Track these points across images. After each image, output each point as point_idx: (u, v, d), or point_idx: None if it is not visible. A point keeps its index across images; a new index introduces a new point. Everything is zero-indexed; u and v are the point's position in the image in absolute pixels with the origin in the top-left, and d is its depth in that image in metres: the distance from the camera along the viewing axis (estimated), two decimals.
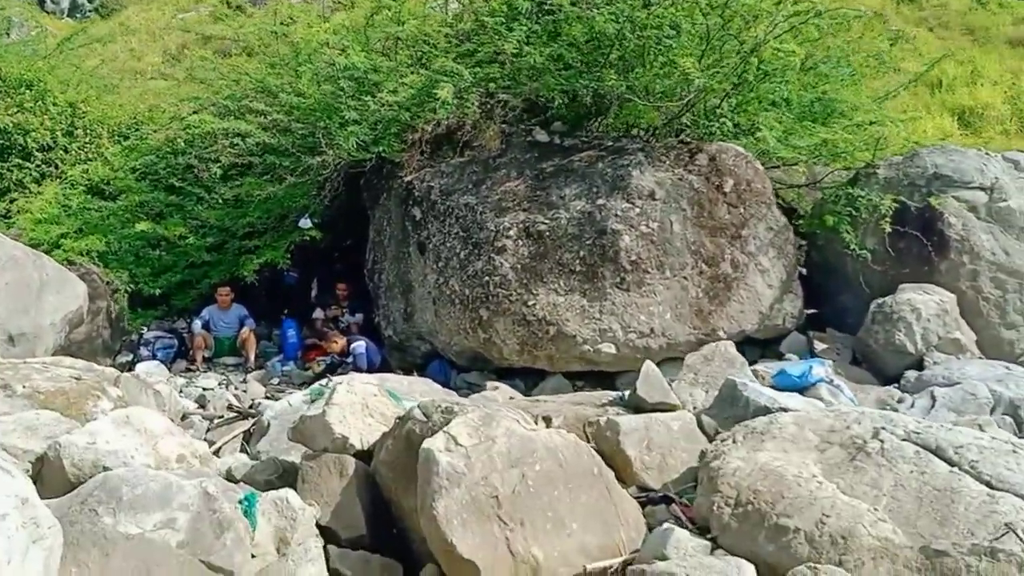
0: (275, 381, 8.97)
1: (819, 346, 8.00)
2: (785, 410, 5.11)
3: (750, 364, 7.89)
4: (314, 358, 9.47)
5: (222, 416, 7.16)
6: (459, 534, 3.91)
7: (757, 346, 8.37)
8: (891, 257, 8.00)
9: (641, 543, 4.26)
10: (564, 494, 4.20)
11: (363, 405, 5.37)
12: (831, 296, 8.66)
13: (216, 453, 6.66)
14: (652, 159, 8.14)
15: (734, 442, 4.57)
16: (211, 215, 9.86)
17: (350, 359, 8.44)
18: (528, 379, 8.49)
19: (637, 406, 5.52)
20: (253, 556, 4.08)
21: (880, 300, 7.76)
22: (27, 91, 11.76)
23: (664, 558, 3.90)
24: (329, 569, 4.32)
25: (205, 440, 6.87)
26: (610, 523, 4.28)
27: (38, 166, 11.13)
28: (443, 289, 8.21)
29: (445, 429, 4.31)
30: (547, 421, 5.40)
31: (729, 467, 4.31)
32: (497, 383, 7.87)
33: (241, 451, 6.76)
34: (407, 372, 8.30)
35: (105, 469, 4.35)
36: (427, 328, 8.60)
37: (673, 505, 4.59)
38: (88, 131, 11.76)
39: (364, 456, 5.14)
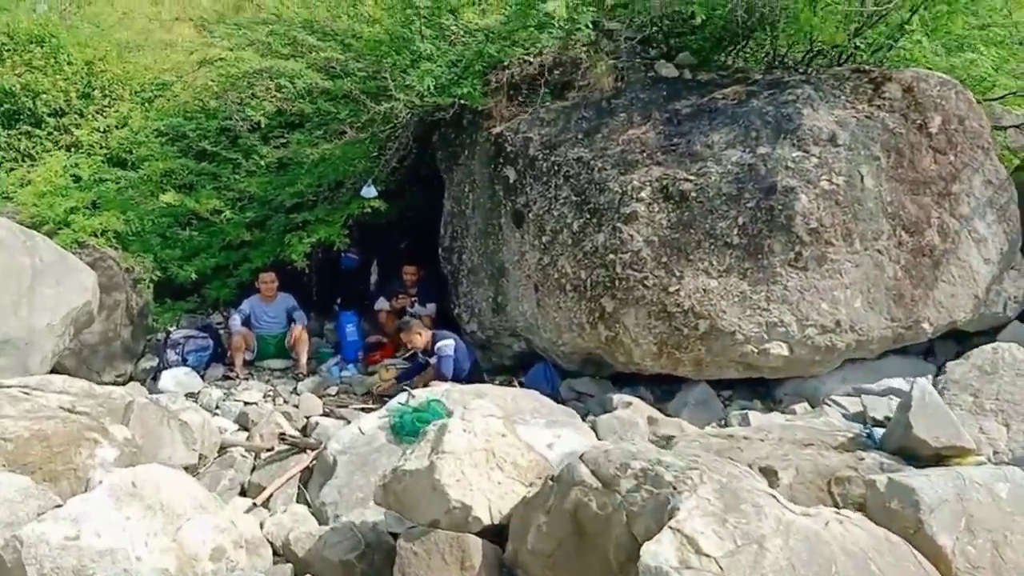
0: (332, 390, 7.14)
1: None
2: None
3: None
4: (379, 360, 7.64)
5: (271, 448, 5.35)
6: None
7: (951, 340, 6.35)
8: None
9: None
10: None
11: (487, 452, 3.51)
12: None
13: (265, 504, 4.86)
14: (824, 94, 6.12)
15: None
16: (251, 184, 8.03)
17: (433, 359, 6.56)
18: (656, 387, 6.58)
19: (907, 450, 3.56)
20: None
21: None
22: (37, 48, 10.05)
23: None
24: None
25: (251, 485, 5.08)
26: None
27: (50, 134, 9.38)
28: (549, 272, 6.30)
29: (673, 524, 2.41)
30: (770, 475, 3.49)
31: None
32: (629, 397, 5.96)
33: (299, 499, 4.95)
34: (506, 381, 6.42)
35: None
36: (524, 322, 6.72)
37: None
38: (107, 92, 9.98)
39: (494, 533, 3.30)
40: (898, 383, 5.96)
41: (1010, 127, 6.75)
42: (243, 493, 5.13)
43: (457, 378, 6.35)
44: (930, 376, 6.01)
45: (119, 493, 3.12)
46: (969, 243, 5.96)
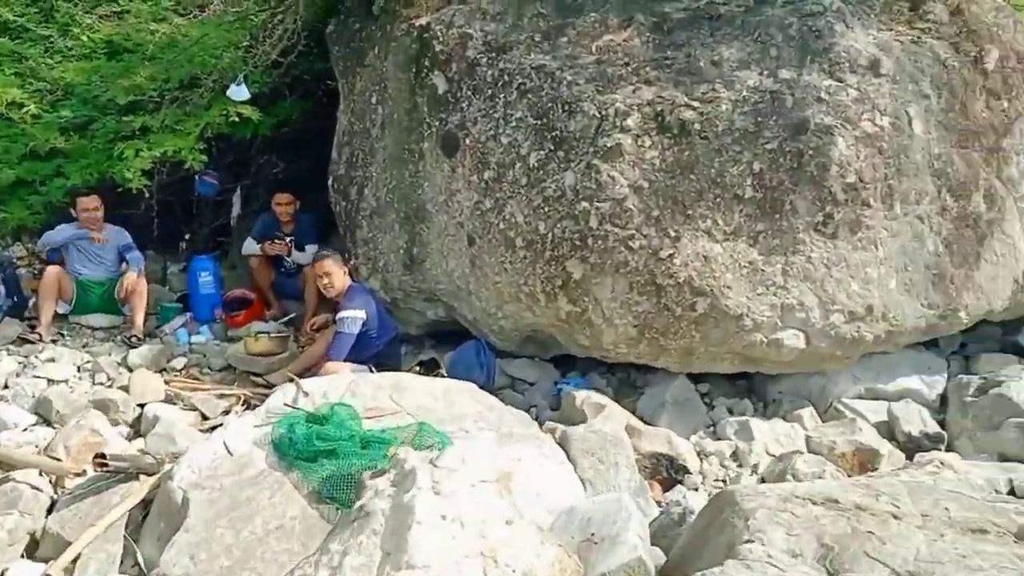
0: (178, 363, 5.24)
1: None
2: None
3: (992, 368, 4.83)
4: (243, 321, 5.77)
5: (82, 472, 3.51)
6: None
7: (972, 337, 5.23)
8: None
9: None
10: None
11: (485, 560, 1.95)
12: None
13: (69, 572, 3.08)
14: (853, 7, 4.71)
15: None
16: (69, 71, 5.85)
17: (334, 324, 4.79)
18: (610, 372, 5.16)
19: None
20: None
21: None
22: None
23: None
24: None
25: (47, 535, 3.26)
26: None
27: None
28: (491, 220, 4.66)
29: None
30: None
31: None
32: (596, 396, 4.48)
33: (124, 565, 3.17)
34: (430, 366, 4.77)
35: None
36: (449, 284, 5.07)
37: None
38: None
39: None
40: (914, 383, 4.80)
41: None
42: (33, 548, 3.31)
43: (364, 356, 4.66)
44: (943, 375, 4.91)
45: None
46: (1014, 213, 4.80)
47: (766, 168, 4.29)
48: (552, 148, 4.49)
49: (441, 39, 4.97)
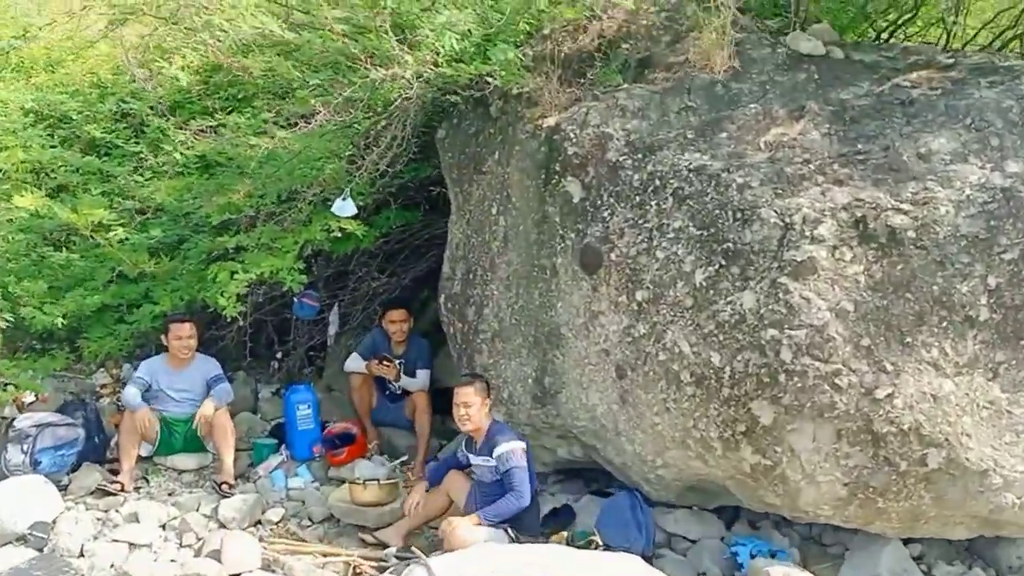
0: (275, 516, 4.52)
1: None
2: None
3: None
4: (347, 459, 5.05)
5: None
6: None
7: None
8: None
9: None
10: None
11: None
12: None
13: None
14: None
15: None
16: (159, 190, 5.38)
17: (484, 468, 4.04)
18: (791, 525, 4.23)
19: None
20: None
21: None
22: None
23: None
24: None
25: None
26: None
27: None
28: (646, 348, 3.88)
29: None
30: None
31: None
32: (800, 573, 3.55)
33: None
34: (589, 539, 3.91)
35: None
36: (590, 422, 4.26)
37: None
38: None
39: None
40: None
41: None
42: None
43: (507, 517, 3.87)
44: None
45: None
46: None
47: (1004, 283, 3.43)
48: (723, 263, 3.71)
49: (574, 141, 4.31)
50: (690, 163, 3.97)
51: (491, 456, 4.00)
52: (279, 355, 6.48)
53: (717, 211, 3.79)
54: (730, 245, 3.71)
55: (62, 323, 5.15)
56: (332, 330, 6.21)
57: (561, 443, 4.61)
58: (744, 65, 4.38)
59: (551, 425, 4.52)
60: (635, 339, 3.94)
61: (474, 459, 4.14)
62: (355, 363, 5.47)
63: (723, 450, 3.68)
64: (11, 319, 5.14)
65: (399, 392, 5.50)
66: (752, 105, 4.15)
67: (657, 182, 4.01)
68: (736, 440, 3.62)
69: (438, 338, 5.57)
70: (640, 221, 4.00)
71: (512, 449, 3.94)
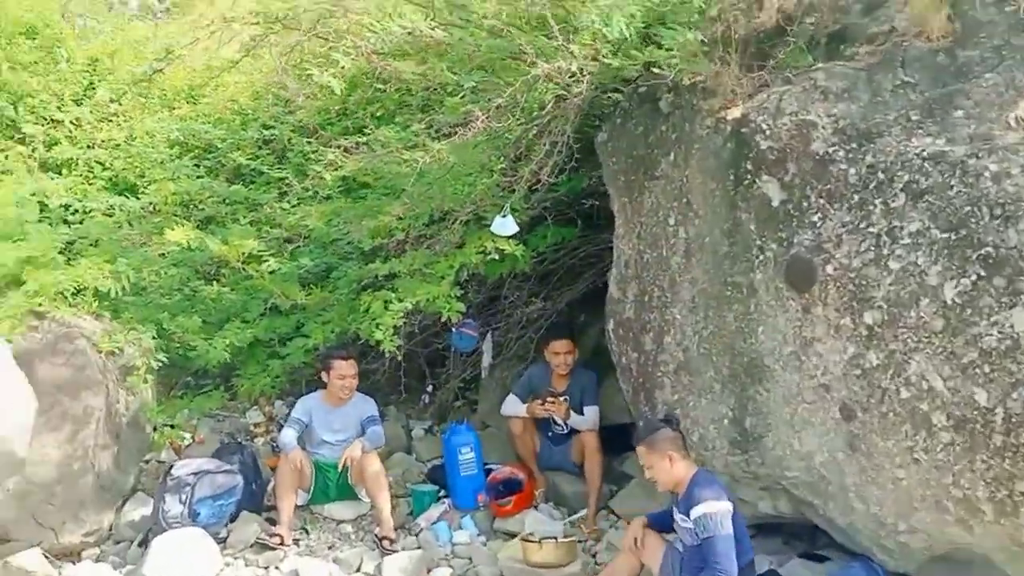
0: (442, 573, 4.07)
1: None
2: None
3: None
4: (513, 510, 4.54)
5: None
6: None
7: None
8: None
9: None
10: None
11: None
12: None
13: None
14: None
15: None
16: (311, 217, 5.10)
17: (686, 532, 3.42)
18: None
19: None
20: None
21: None
22: (27, 41, 7.50)
23: None
24: None
25: None
26: None
27: (35, 149, 6.71)
28: (881, 382, 3.14)
29: None
30: None
31: None
32: None
33: None
34: None
35: None
36: (805, 472, 3.54)
37: None
38: (115, 97, 7.35)
39: None
40: None
41: None
42: None
43: None
44: None
45: None
46: None
47: None
48: (982, 274, 2.93)
49: (768, 133, 3.63)
50: (922, 150, 3.21)
51: (688, 516, 3.35)
52: (430, 388, 6.11)
53: (968, 208, 3.01)
54: (990, 250, 2.92)
55: (225, 359, 4.94)
56: (486, 361, 5.74)
57: (764, 495, 3.91)
58: (967, 29, 3.56)
59: (754, 475, 3.83)
60: (865, 371, 3.21)
61: (676, 516, 3.51)
62: (513, 407, 4.97)
63: (995, 515, 2.89)
64: (166, 359, 4.98)
65: (565, 432, 4.94)
66: (987, 75, 3.34)
67: (881, 175, 3.27)
68: (1015, 502, 2.82)
69: (599, 368, 5.02)
70: (862, 225, 3.27)
71: (711, 512, 3.25)
